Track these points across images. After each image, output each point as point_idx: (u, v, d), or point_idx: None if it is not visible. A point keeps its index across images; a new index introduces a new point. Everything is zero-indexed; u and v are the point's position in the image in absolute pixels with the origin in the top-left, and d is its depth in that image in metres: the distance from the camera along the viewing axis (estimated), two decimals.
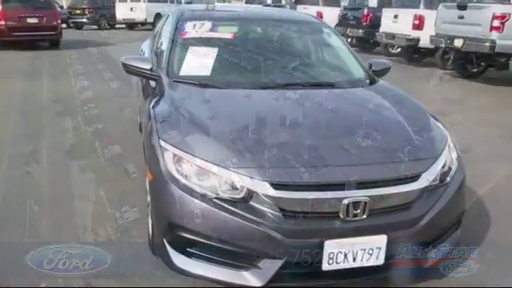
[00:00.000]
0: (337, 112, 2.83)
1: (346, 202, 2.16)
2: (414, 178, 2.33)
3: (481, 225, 3.25)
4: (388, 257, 2.26)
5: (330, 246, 2.16)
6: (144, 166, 2.86)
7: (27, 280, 2.54)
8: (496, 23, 8.57)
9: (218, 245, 2.22)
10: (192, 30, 3.51)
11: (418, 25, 11.41)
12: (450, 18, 9.63)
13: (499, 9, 8.63)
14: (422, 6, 13.48)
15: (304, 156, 2.30)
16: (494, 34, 8.62)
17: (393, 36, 12.07)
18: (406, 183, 2.30)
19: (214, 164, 2.25)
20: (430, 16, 10.98)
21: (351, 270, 2.24)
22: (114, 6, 23.32)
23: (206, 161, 2.27)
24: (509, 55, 8.77)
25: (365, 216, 2.20)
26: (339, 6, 18.72)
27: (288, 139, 2.44)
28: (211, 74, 3.19)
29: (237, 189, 2.21)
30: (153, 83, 3.37)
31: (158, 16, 23.71)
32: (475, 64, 10.48)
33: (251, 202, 2.19)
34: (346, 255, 2.19)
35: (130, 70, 3.33)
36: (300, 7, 17.26)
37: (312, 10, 16.07)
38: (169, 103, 2.81)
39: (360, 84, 3.29)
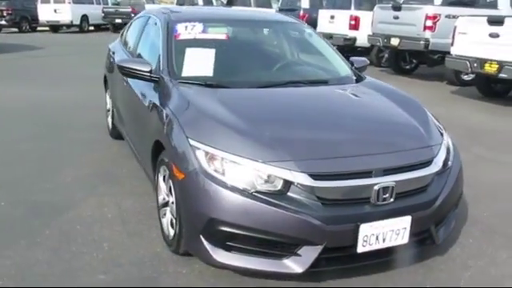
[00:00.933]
0: (347, 106, 3.04)
1: (376, 187, 2.35)
2: (427, 163, 2.58)
3: None
4: (411, 236, 2.48)
5: (365, 230, 2.34)
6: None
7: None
8: (429, 23, 9.27)
9: (260, 236, 2.32)
10: (184, 31, 3.54)
11: (355, 25, 12.01)
12: (385, 19, 10.26)
13: (431, 10, 9.36)
14: (352, 7, 14.20)
15: (334, 147, 2.46)
16: (428, 33, 9.33)
17: (330, 36, 12.58)
18: (422, 168, 2.54)
19: (250, 159, 2.35)
20: (365, 17, 11.62)
21: (380, 251, 2.44)
22: (35, 8, 22.16)
23: (241, 156, 2.36)
24: (442, 52, 9.49)
25: (392, 200, 2.40)
26: (271, 7, 19.17)
27: (314, 132, 2.60)
28: (214, 75, 3.25)
29: (273, 182, 2.32)
30: (141, 85, 3.38)
31: (84, 18, 22.98)
32: (408, 61, 11.26)
33: (289, 193, 2.31)
34: (377, 237, 2.38)
35: (127, 72, 3.32)
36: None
37: None
38: (186, 103, 2.84)
39: (351, 80, 3.51)
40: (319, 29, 13.11)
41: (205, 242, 2.42)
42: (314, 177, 2.30)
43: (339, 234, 2.32)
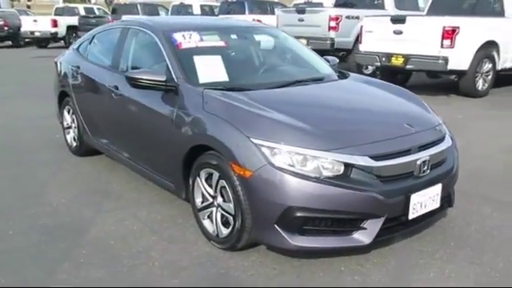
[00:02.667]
0: (362, 97, 3.45)
1: (419, 162, 2.79)
2: (443, 139, 3.08)
3: None
4: (440, 201, 2.96)
5: (414, 199, 2.75)
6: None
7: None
8: (333, 24, 10.17)
9: (333, 216, 2.62)
10: (184, 40, 3.65)
11: None
12: (290, 21, 10.98)
13: (334, 11, 10.28)
14: (247, 11, 14.86)
15: (377, 131, 2.85)
16: (332, 33, 10.22)
17: None
18: (441, 143, 3.03)
19: (314, 149, 2.63)
20: (267, 20, 12.27)
21: (422, 216, 2.88)
22: None
23: (306, 148, 2.63)
24: (345, 50, 10.45)
25: (428, 171, 2.85)
26: (158, 14, 19.13)
27: (354, 120, 2.96)
28: (230, 79, 3.44)
29: (336, 167, 2.62)
30: (152, 96, 3.44)
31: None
32: None
33: (351, 175, 2.64)
34: (421, 204, 2.81)
35: (140, 83, 3.35)
36: (125, 17, 17.10)
37: None
38: (229, 106, 2.98)
39: (340, 77, 3.91)
40: None
41: (280, 230, 2.64)
42: (374, 158, 2.66)
43: (396, 205, 2.70)
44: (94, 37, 4.77)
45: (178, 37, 3.67)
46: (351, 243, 2.68)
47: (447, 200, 3.10)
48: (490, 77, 8.31)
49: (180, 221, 3.49)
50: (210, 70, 3.49)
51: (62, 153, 5.13)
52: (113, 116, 4.09)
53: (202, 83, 3.34)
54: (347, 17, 10.24)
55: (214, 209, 3.05)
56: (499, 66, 8.44)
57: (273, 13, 15.75)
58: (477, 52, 7.89)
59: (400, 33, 8.20)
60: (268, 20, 12.22)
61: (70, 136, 5.05)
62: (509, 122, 6.64)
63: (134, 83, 3.38)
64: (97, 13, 21.26)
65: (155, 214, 3.62)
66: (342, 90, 3.61)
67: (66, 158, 5.02)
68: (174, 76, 3.38)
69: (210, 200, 3.07)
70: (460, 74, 7.98)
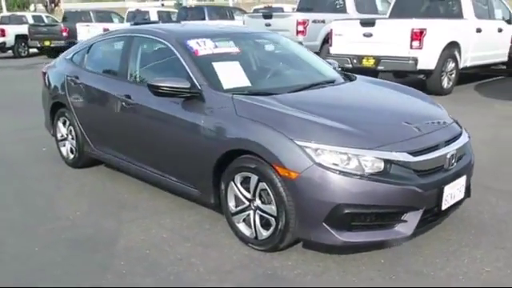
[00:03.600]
0: (381, 98, 3.61)
1: (448, 155, 2.98)
2: (461, 134, 3.29)
3: None
4: (464, 191, 3.17)
5: (446, 191, 2.94)
6: None
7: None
8: (300, 28, 10.42)
9: (378, 211, 2.75)
10: (199, 47, 3.68)
11: None
12: (257, 26, 11.10)
13: (301, 16, 10.52)
14: (206, 17, 14.91)
15: (408, 129, 3.01)
16: (300, 37, 10.45)
17: None
18: (461, 138, 3.24)
19: (357, 148, 2.75)
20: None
21: (450, 206, 3.07)
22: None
23: (348, 147, 2.75)
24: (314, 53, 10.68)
25: (455, 164, 3.05)
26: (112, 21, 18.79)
27: (385, 119, 3.11)
28: (252, 84, 3.51)
29: (377, 164, 2.76)
30: (172, 104, 3.46)
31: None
32: None
33: (391, 171, 2.78)
34: (451, 195, 3.00)
35: (163, 91, 3.35)
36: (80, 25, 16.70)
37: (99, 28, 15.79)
38: (264, 111, 3.04)
39: (349, 79, 4.07)
40: None
41: (328, 227, 2.74)
42: (411, 154, 2.82)
43: (431, 197, 2.87)
44: (91, 46, 4.68)
45: (192, 44, 3.70)
46: (394, 236, 2.83)
47: (467, 191, 3.31)
48: (453, 75, 8.79)
49: (207, 226, 3.52)
50: (231, 75, 3.54)
51: (56, 165, 4.99)
52: (123, 125, 4.04)
53: (227, 89, 3.39)
54: (313, 21, 10.53)
55: (252, 212, 3.10)
56: (461, 65, 8.95)
57: (232, 18, 15.91)
58: (442, 52, 8.33)
59: (370, 35, 8.53)
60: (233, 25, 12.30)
61: (66, 148, 4.93)
62: (476, 117, 7.04)
63: (157, 91, 3.38)
64: (46, 21, 20.53)
65: (179, 221, 3.62)
66: (359, 91, 3.77)
67: (63, 170, 4.89)
68: (196, 83, 3.40)
69: (246, 203, 3.13)
70: (428, 73, 8.40)
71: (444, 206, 2.97)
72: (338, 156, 2.74)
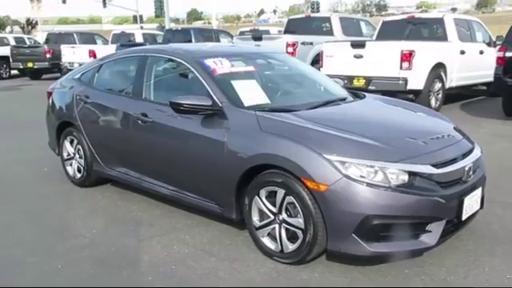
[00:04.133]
0: (395, 114, 3.75)
1: (466, 168, 3.11)
2: (474, 148, 3.44)
3: None
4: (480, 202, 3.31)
5: (466, 201, 3.06)
6: None
7: None
8: (290, 50, 10.63)
9: (405, 221, 2.85)
10: (216, 66, 3.77)
11: None
12: None
13: (290, 38, 10.76)
14: (193, 39, 15.04)
15: (428, 143, 3.14)
16: None
17: None
18: (474, 151, 3.39)
19: (383, 161, 2.86)
20: None
21: (469, 217, 3.19)
22: None
23: (375, 160, 2.86)
24: None
25: (472, 176, 3.19)
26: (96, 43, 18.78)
27: (404, 134, 3.22)
28: (272, 102, 3.61)
29: (401, 176, 2.87)
30: (194, 122, 3.53)
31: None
32: None
33: (416, 183, 2.90)
34: (470, 206, 3.13)
35: (185, 108, 3.43)
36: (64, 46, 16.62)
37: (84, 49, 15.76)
38: (289, 126, 3.14)
39: (359, 96, 4.21)
40: None
41: (358, 238, 2.83)
42: (434, 166, 2.94)
43: (454, 208, 2.99)
44: (101, 66, 4.73)
45: (210, 63, 3.79)
46: (419, 246, 2.93)
47: (481, 202, 3.44)
48: (440, 95, 9.09)
49: (228, 241, 3.56)
50: (250, 93, 3.63)
51: (61, 185, 4.96)
52: (137, 142, 4.07)
53: (248, 106, 3.48)
54: (302, 43, 10.78)
55: (277, 225, 3.16)
56: (447, 85, 9.27)
57: (218, 40, 16.10)
58: (430, 73, 8.63)
59: (360, 57, 8.78)
60: None
61: (73, 167, 4.91)
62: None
63: (178, 108, 3.45)
64: (27, 42, 20.39)
65: (199, 237, 3.65)
66: (373, 108, 3.91)
67: (70, 189, 4.87)
68: (217, 100, 3.48)
69: (272, 217, 3.19)
70: (416, 93, 8.66)
71: (464, 217, 3.09)
72: (365, 169, 2.84)
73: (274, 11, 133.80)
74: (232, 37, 16.71)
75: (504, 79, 7.74)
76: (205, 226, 3.82)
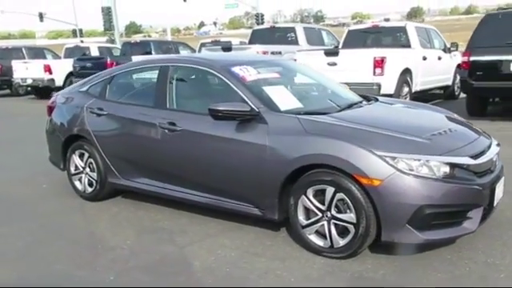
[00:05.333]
0: (416, 114, 4.03)
1: (494, 158, 3.41)
2: (492, 141, 3.74)
3: None
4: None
5: (497, 189, 3.35)
6: None
7: None
8: None
9: (451, 209, 3.09)
10: (244, 74, 3.89)
11: None
12: None
13: (260, 48, 10.98)
14: (153, 52, 14.97)
15: (460, 137, 3.42)
16: None
17: None
18: (494, 144, 3.69)
19: (429, 155, 3.10)
20: None
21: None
22: None
23: (422, 154, 3.09)
24: None
25: (497, 166, 3.49)
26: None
27: (435, 130, 3.46)
28: (304, 106, 3.77)
29: (443, 168, 3.11)
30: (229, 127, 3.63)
31: None
32: None
33: (457, 174, 3.15)
34: (498, 194, 3.42)
35: (223, 114, 3.53)
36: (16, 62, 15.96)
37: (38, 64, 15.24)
38: (336, 128, 3.34)
39: (372, 100, 4.44)
40: None
41: (411, 228, 3.04)
42: (473, 157, 3.21)
43: (488, 195, 3.27)
44: (112, 77, 4.70)
45: (238, 71, 3.90)
46: (463, 232, 3.18)
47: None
48: (408, 99, 9.59)
49: (268, 242, 3.66)
50: (282, 98, 3.78)
51: (72, 200, 4.84)
52: (164, 151, 4.08)
53: (284, 110, 3.62)
54: (272, 52, 11.02)
55: (325, 222, 3.31)
56: (413, 89, 9.81)
57: (177, 52, 16.06)
58: (399, 78, 9.12)
59: (334, 64, 9.13)
60: None
61: (83, 181, 4.82)
62: None
63: (217, 115, 3.55)
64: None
65: (238, 240, 3.73)
66: (394, 108, 4.16)
67: (82, 204, 4.76)
68: (253, 106, 3.59)
69: (319, 215, 3.34)
70: (389, 96, 9.11)
71: (495, 203, 3.38)
72: (413, 162, 3.06)
73: (215, 23, 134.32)
74: (191, 49, 16.75)
75: (469, 81, 8.32)
76: (238, 230, 3.90)
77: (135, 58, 13.37)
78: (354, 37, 10.91)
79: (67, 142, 4.88)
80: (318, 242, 3.37)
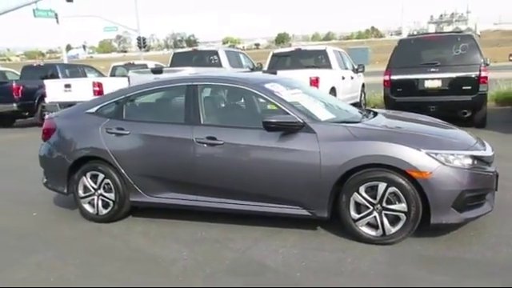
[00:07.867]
0: (424, 123, 4.70)
1: (492, 153, 4.26)
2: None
3: None
4: None
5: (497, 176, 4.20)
6: None
7: None
8: None
9: (479, 193, 3.84)
10: (276, 89, 4.29)
11: (99, 91, 12.39)
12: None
13: (191, 70, 11.22)
14: (60, 75, 14.40)
15: (464, 135, 4.23)
16: None
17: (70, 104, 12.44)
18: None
19: (461, 150, 3.82)
20: (107, 83, 12.27)
21: None
22: None
23: (455, 149, 3.80)
24: None
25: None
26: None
27: (451, 130, 4.22)
28: (336, 116, 4.28)
29: (469, 160, 3.85)
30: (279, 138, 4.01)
31: None
32: None
33: (478, 164, 3.90)
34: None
35: (276, 126, 3.92)
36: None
37: None
38: (379, 133, 3.92)
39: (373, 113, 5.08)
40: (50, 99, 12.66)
41: (455, 210, 3.71)
42: (485, 150, 4.01)
43: (494, 181, 4.08)
44: (128, 98, 4.74)
45: (270, 87, 4.30)
46: (485, 211, 3.94)
47: None
48: None
49: (317, 240, 4.05)
50: (317, 110, 4.26)
51: (79, 225, 4.72)
52: (201, 165, 4.26)
53: (324, 120, 4.11)
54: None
55: (377, 214, 3.84)
56: None
57: (85, 75, 15.50)
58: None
59: None
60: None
61: (96, 203, 4.72)
62: None
63: (270, 126, 3.92)
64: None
65: (290, 238, 4.07)
66: (403, 118, 4.84)
67: (98, 227, 4.66)
68: (298, 118, 4.02)
69: (370, 208, 3.85)
70: None
71: (497, 188, 4.22)
72: (449, 157, 3.75)
73: (84, 47, 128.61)
74: (99, 72, 16.26)
75: (391, 97, 9.55)
76: (279, 233, 4.20)
77: (46, 82, 12.69)
78: (278, 59, 11.72)
79: (75, 165, 4.76)
80: (371, 232, 3.87)
